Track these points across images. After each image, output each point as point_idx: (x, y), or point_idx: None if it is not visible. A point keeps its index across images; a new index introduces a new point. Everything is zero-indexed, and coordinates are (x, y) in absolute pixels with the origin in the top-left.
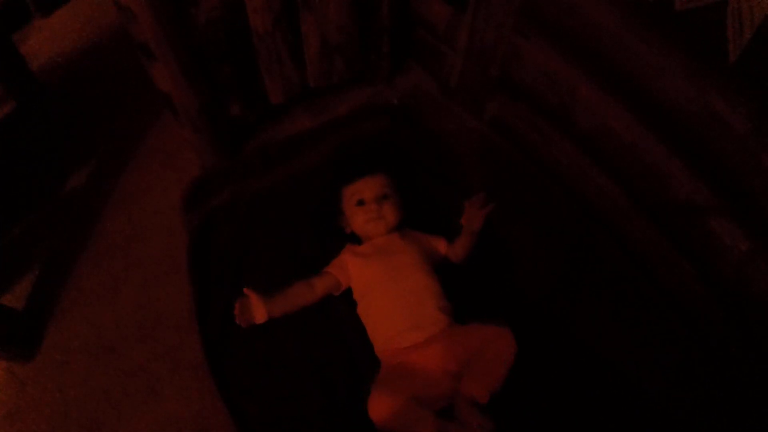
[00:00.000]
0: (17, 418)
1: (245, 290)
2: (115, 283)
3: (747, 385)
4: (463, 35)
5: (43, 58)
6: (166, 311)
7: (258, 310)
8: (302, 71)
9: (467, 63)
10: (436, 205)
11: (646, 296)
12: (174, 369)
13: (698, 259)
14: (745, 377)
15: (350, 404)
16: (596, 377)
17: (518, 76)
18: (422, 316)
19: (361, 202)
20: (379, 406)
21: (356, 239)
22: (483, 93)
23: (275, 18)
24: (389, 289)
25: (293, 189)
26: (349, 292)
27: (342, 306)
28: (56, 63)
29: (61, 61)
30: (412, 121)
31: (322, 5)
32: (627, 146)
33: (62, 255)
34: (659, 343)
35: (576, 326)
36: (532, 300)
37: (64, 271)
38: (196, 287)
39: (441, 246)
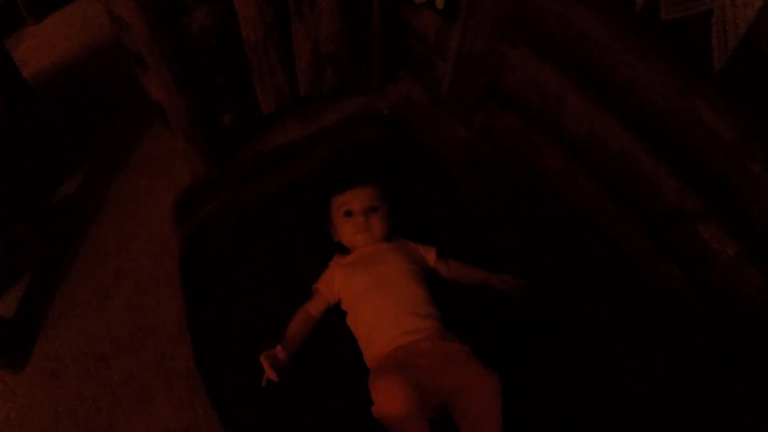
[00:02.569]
0: (7, 428)
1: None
2: (107, 291)
3: (736, 385)
4: (453, 45)
5: (36, 64)
6: (158, 320)
7: (281, 360)
8: (294, 81)
9: (457, 72)
10: (426, 213)
11: (636, 300)
12: (166, 378)
13: (687, 263)
14: (734, 378)
15: (344, 410)
16: (589, 380)
17: (508, 85)
18: (410, 324)
19: (348, 213)
20: (383, 386)
21: (345, 248)
22: (473, 102)
23: (267, 28)
24: (376, 299)
25: (285, 197)
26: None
27: (333, 315)
28: (48, 69)
29: (53, 68)
30: (402, 131)
31: (314, 15)
32: (615, 154)
33: (53, 263)
34: (650, 345)
35: (567, 330)
36: (523, 305)
37: (55, 280)
38: (188, 296)
39: (430, 256)
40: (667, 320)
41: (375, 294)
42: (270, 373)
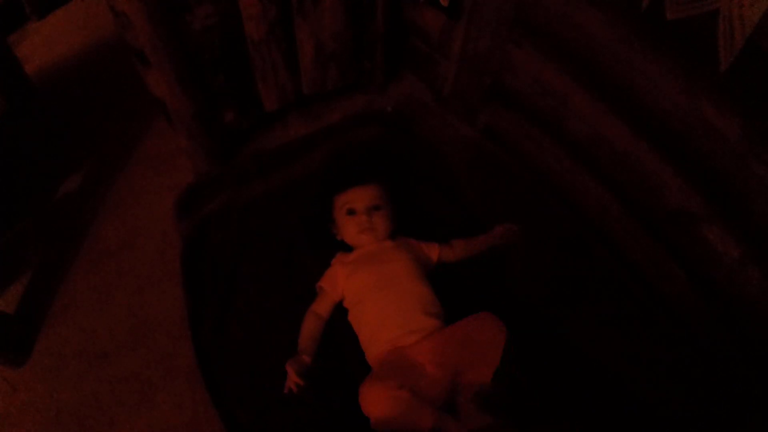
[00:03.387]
0: (8, 424)
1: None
2: (108, 289)
3: (738, 386)
4: (456, 44)
5: (38, 61)
6: (160, 318)
7: (306, 364)
8: (296, 79)
9: (460, 71)
10: (429, 212)
11: (638, 301)
12: (167, 376)
13: (690, 265)
14: (737, 379)
15: (344, 411)
16: (590, 381)
17: (511, 84)
18: (414, 322)
19: (351, 212)
20: (373, 394)
21: (347, 246)
22: (476, 101)
23: (270, 26)
24: (380, 297)
25: (287, 196)
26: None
27: (335, 312)
28: (51, 66)
29: (56, 65)
30: (405, 129)
31: (317, 13)
32: (619, 154)
33: (55, 260)
34: (652, 346)
35: (569, 331)
36: (525, 305)
37: (57, 277)
38: (190, 294)
39: (433, 253)
40: (670, 321)
41: (380, 292)
42: (296, 380)
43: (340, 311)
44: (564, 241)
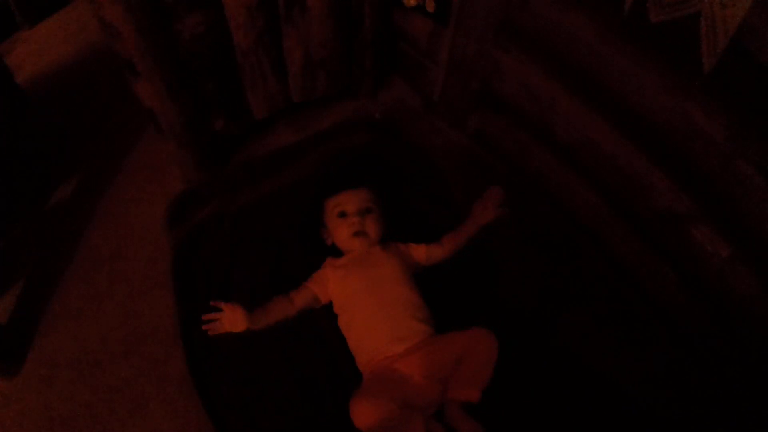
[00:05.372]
0: None
1: (231, 304)
2: (101, 297)
3: (731, 386)
4: (444, 49)
5: (30, 69)
6: (152, 326)
7: (239, 322)
8: (285, 86)
9: (449, 77)
10: (419, 218)
11: (629, 303)
12: (159, 384)
13: (680, 265)
14: (730, 379)
15: (336, 416)
16: (582, 383)
17: (499, 89)
18: (403, 328)
19: (343, 214)
20: (363, 409)
21: (338, 251)
22: (465, 106)
23: (258, 34)
24: (370, 303)
25: (278, 203)
26: (330, 304)
27: (325, 319)
28: (43, 74)
29: (47, 73)
30: (395, 135)
31: (305, 21)
32: (607, 157)
33: (47, 269)
34: (644, 348)
35: (561, 334)
36: (516, 309)
37: (49, 286)
38: (181, 302)
39: (420, 254)
40: (661, 322)
41: (369, 298)
42: (213, 326)
43: (331, 316)
44: (554, 243)
